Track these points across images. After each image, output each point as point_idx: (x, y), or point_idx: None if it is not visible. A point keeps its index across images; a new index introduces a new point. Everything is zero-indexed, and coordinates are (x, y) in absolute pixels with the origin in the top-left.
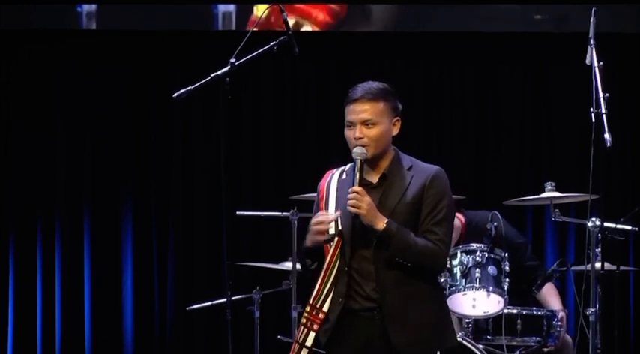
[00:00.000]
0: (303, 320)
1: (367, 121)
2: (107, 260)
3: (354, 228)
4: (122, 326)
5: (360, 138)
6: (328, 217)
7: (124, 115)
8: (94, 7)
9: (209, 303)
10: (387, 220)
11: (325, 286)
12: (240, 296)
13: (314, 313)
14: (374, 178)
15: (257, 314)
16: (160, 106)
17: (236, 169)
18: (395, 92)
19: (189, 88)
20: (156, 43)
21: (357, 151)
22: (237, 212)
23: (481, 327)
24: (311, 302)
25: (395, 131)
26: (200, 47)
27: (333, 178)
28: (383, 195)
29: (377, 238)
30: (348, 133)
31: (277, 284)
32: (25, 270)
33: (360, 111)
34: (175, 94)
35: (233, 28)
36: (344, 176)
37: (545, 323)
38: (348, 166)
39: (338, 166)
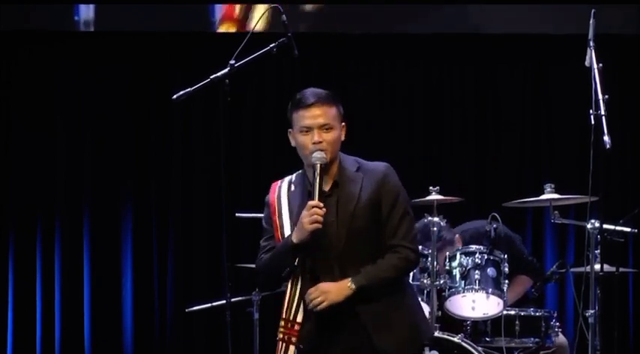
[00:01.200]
0: (280, 336)
1: (325, 125)
2: (107, 260)
3: (312, 239)
4: (122, 327)
5: (320, 142)
6: (320, 204)
7: (124, 115)
8: (93, 7)
9: (209, 304)
10: (350, 282)
11: (294, 297)
12: (239, 298)
13: (289, 326)
14: (326, 186)
15: (256, 316)
16: (159, 107)
17: (236, 171)
18: (340, 96)
19: (188, 90)
20: (156, 43)
21: (317, 156)
22: (237, 214)
23: (480, 329)
24: (284, 316)
25: (343, 136)
26: (200, 47)
27: (281, 191)
28: (339, 202)
29: (355, 296)
30: (304, 139)
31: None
32: (25, 270)
33: (316, 115)
34: (175, 96)
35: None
36: (292, 188)
37: (544, 324)
38: (293, 177)
39: (282, 178)
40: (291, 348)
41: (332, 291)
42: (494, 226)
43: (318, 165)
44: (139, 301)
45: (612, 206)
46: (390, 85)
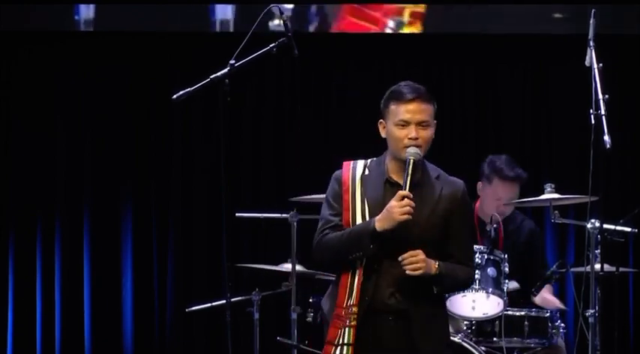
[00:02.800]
0: (338, 323)
1: (423, 122)
2: (107, 261)
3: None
4: (122, 327)
5: (416, 138)
6: (410, 195)
7: (124, 115)
8: (93, 7)
9: (209, 304)
10: (438, 264)
11: (353, 287)
12: (239, 298)
13: (349, 311)
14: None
15: (256, 316)
16: (159, 107)
17: (236, 171)
18: None
19: (188, 90)
20: (156, 43)
21: (412, 151)
22: (237, 214)
23: (485, 329)
24: (343, 306)
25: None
26: (200, 47)
27: (356, 172)
28: (416, 203)
29: (428, 280)
30: (399, 132)
31: (277, 286)
32: (25, 270)
33: (417, 111)
34: (175, 96)
35: (231, 29)
36: (367, 172)
37: (550, 325)
38: (368, 161)
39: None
40: (351, 331)
41: (426, 264)
42: (495, 226)
43: (412, 160)
44: (139, 301)
45: (612, 206)
46: (390, 85)
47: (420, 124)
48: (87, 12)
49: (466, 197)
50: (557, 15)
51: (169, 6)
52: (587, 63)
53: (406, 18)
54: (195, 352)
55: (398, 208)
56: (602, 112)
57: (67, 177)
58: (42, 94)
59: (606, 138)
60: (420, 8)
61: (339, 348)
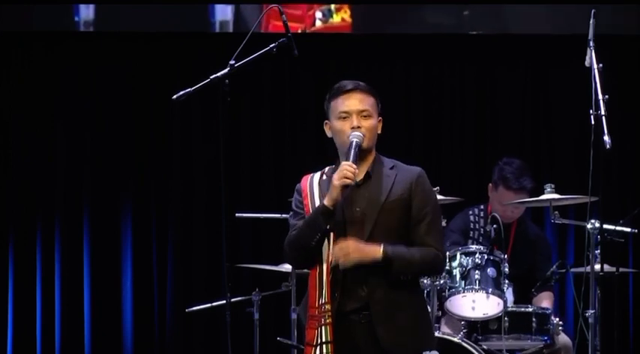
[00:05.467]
0: (314, 323)
1: (363, 111)
2: (107, 261)
3: (341, 222)
4: (122, 328)
5: (358, 127)
6: (352, 165)
7: (124, 115)
8: (93, 8)
9: (208, 305)
10: (381, 247)
11: (322, 285)
12: (239, 298)
13: (322, 310)
14: (359, 175)
15: (256, 316)
16: (159, 107)
17: (236, 171)
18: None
19: (188, 90)
20: (156, 43)
21: (356, 133)
22: (237, 214)
23: (491, 327)
24: (316, 305)
25: (379, 129)
26: (200, 47)
27: (314, 179)
28: (369, 192)
29: (376, 265)
30: (342, 124)
31: (277, 286)
32: (25, 270)
33: (356, 101)
34: (175, 96)
35: (230, 30)
36: (324, 177)
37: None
38: (326, 169)
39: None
40: (327, 329)
41: (358, 250)
42: (495, 226)
43: (355, 141)
44: (138, 302)
45: (612, 206)
46: (390, 85)
47: (361, 114)
48: (87, 12)
49: (424, 182)
50: (557, 15)
51: (169, 6)
52: (587, 63)
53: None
54: (195, 352)
55: (336, 174)
56: (602, 112)
57: (67, 177)
58: (42, 95)
59: (606, 138)
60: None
61: (318, 348)
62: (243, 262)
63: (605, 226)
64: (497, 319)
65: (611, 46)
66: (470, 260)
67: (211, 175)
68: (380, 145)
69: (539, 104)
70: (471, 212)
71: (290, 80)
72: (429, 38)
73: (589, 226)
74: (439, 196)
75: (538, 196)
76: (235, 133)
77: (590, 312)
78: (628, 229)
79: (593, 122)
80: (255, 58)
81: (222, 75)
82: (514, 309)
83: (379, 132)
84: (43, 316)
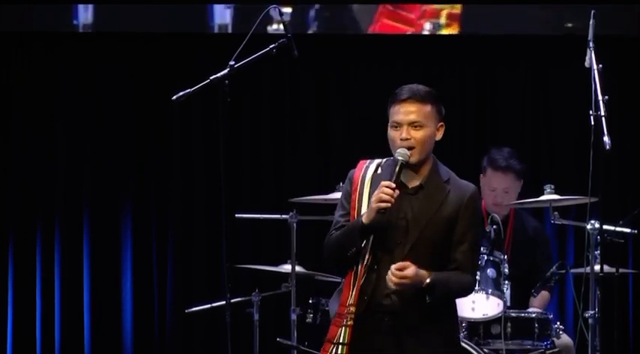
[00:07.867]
0: (339, 321)
1: (415, 122)
2: (107, 262)
3: (385, 228)
4: (121, 328)
5: (407, 139)
6: (392, 184)
7: (124, 115)
8: (93, 8)
9: (208, 305)
10: (430, 276)
11: (355, 283)
12: (239, 299)
13: (348, 311)
14: (411, 183)
15: (256, 317)
16: (159, 107)
17: (235, 172)
18: (441, 96)
19: (188, 90)
20: (155, 43)
21: (401, 152)
22: (237, 215)
23: (493, 331)
24: (346, 304)
25: (439, 136)
26: (200, 48)
27: (368, 171)
28: (420, 204)
29: (420, 291)
30: (394, 134)
31: (276, 287)
32: (25, 270)
33: (408, 112)
34: (175, 97)
35: (230, 30)
36: (379, 171)
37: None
38: (384, 160)
39: (372, 158)
40: (348, 331)
41: (414, 276)
42: (494, 227)
43: (400, 162)
44: (138, 302)
45: (612, 207)
46: (390, 85)
47: (412, 125)
48: (86, 13)
49: (474, 203)
50: (557, 15)
51: (169, 6)
52: (586, 64)
53: (443, 20)
54: (194, 352)
55: (375, 196)
56: (602, 113)
57: (67, 177)
58: (42, 95)
59: (606, 139)
60: (456, 9)
61: (335, 347)
62: (242, 263)
63: (605, 226)
64: (499, 323)
65: (611, 46)
66: None
67: (211, 175)
68: (380, 145)
69: (539, 105)
70: None
71: (290, 80)
72: (429, 38)
73: (589, 226)
74: None
75: (538, 196)
76: (235, 133)
77: (590, 313)
78: (628, 230)
79: (592, 123)
80: (255, 58)
81: (222, 75)
82: (516, 314)
83: (438, 138)
84: (43, 316)
